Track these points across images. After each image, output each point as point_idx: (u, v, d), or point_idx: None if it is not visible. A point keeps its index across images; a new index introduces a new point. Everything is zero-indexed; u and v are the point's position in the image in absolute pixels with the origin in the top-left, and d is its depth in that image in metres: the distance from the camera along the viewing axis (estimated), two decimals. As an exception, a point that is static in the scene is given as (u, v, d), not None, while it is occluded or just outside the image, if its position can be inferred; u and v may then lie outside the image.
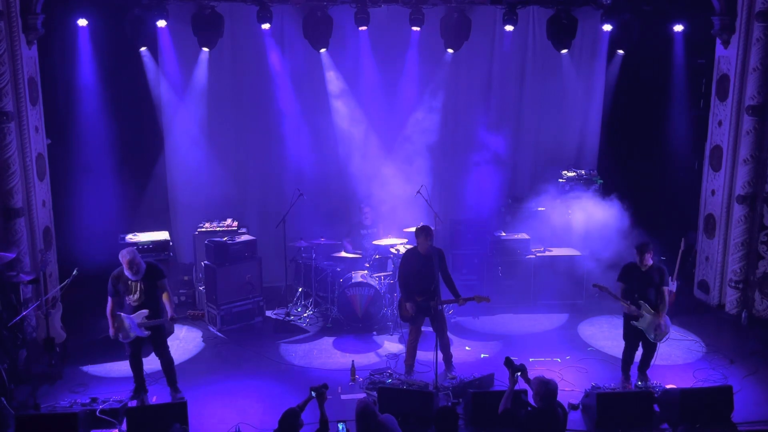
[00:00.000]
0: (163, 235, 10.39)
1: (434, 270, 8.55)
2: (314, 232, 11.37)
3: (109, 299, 7.98)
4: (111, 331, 8.00)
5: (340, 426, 7.17)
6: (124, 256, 7.86)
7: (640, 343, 8.52)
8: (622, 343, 8.81)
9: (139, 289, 7.95)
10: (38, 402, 7.94)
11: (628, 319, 8.50)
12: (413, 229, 9.05)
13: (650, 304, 8.34)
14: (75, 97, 11.07)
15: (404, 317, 8.82)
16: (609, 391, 7.84)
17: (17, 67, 9.36)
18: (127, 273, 7.87)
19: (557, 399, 6.28)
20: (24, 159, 9.56)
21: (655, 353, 8.54)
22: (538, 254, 11.23)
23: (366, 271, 10.69)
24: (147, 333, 8.02)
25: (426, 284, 8.57)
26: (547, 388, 6.19)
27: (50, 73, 10.59)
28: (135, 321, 7.92)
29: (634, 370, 8.66)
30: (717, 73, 10.94)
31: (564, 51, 11.92)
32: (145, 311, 7.97)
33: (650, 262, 8.40)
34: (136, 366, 8.22)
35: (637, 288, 8.38)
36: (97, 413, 7.56)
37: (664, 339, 8.48)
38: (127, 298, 7.98)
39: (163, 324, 8.20)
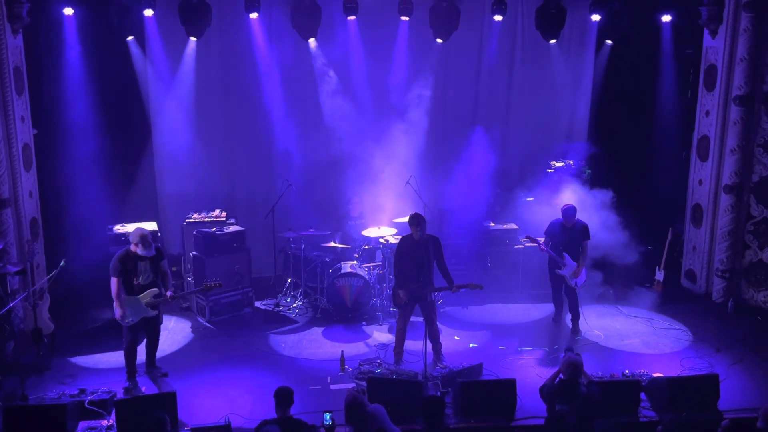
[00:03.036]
0: (151, 226, 10.34)
1: (428, 257, 8.58)
2: (303, 222, 11.35)
3: (113, 280, 8.06)
4: (117, 313, 8.10)
5: (327, 416, 7.19)
6: (138, 231, 8.14)
7: (565, 296, 9.94)
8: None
9: (147, 269, 8.16)
10: (26, 393, 7.90)
11: (553, 267, 9.83)
12: (404, 219, 9.07)
13: (572, 256, 9.66)
14: (61, 87, 10.94)
15: (397, 304, 8.86)
16: (596, 380, 7.87)
17: (2, 57, 9.27)
18: (139, 250, 8.04)
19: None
20: (10, 149, 9.48)
21: (579, 303, 9.84)
22: (526, 244, 11.25)
23: (355, 262, 10.69)
24: (155, 312, 8.27)
25: (419, 271, 8.59)
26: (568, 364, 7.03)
27: (36, 63, 10.48)
28: (143, 301, 8.13)
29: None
30: (705, 63, 10.98)
31: (553, 41, 11.92)
32: (155, 290, 8.21)
33: (574, 220, 9.68)
34: (132, 355, 8.26)
35: (562, 241, 9.73)
36: (86, 404, 7.55)
37: (582, 285, 9.82)
38: (134, 279, 8.12)
39: (163, 302, 8.41)
